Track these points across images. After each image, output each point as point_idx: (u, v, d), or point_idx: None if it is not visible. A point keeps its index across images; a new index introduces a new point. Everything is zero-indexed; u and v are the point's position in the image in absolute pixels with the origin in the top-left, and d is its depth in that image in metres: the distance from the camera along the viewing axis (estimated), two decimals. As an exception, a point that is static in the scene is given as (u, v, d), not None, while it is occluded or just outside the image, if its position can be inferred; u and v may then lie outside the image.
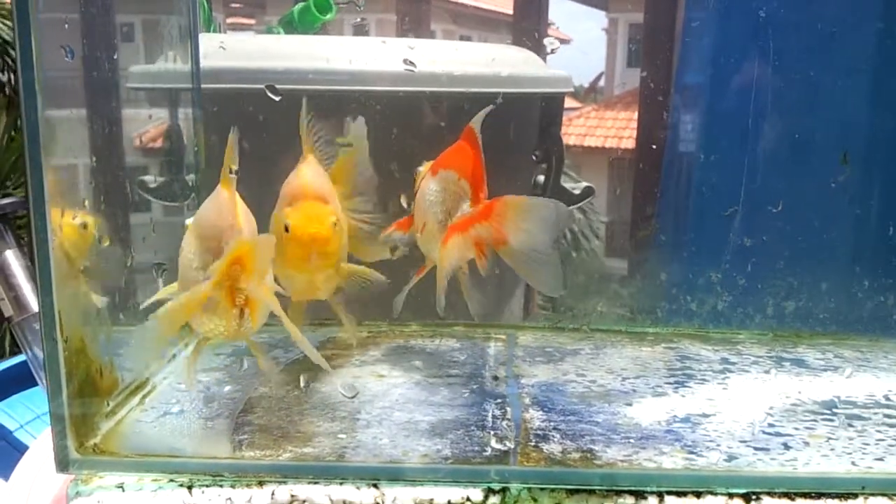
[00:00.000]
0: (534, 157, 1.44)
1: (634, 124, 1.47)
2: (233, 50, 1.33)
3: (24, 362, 1.42)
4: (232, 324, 0.89)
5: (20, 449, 1.43)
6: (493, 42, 1.64)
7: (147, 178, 1.27)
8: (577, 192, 1.48)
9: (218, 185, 0.95)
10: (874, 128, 1.29)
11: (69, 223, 0.91)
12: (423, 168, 1.11)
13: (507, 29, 1.59)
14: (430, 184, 1.04)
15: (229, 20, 1.65)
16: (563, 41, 1.43)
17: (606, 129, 1.80)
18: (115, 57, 1.05)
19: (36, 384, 1.43)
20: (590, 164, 1.72)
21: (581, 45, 1.47)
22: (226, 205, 0.93)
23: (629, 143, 1.54)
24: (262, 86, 1.14)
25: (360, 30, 1.52)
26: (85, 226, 0.95)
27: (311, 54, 1.33)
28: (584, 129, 1.86)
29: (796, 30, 1.29)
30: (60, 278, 0.82)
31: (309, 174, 1.00)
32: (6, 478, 1.18)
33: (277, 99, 1.14)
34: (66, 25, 0.90)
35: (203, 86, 1.25)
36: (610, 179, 1.62)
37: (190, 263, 0.92)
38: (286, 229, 0.94)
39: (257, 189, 1.16)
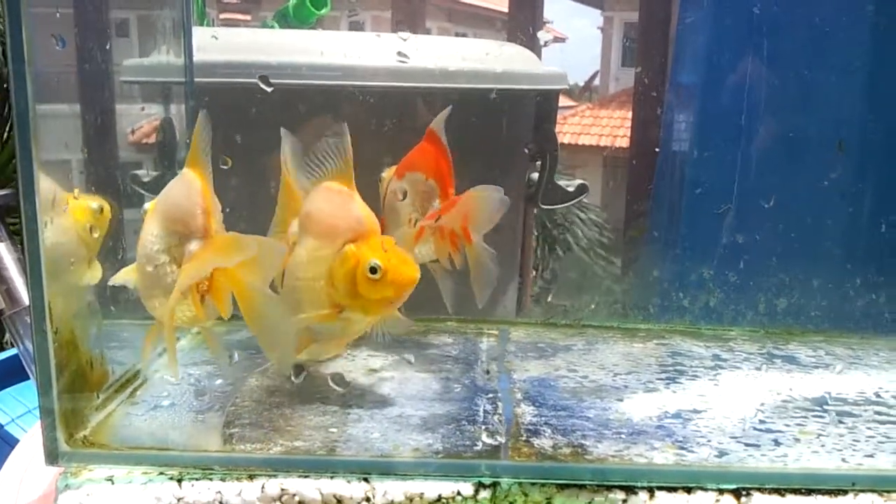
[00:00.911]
0: (526, 150, 1.44)
1: (629, 123, 1.47)
2: (226, 43, 1.33)
3: (16, 356, 1.42)
4: (188, 310, 0.89)
5: (11, 443, 1.43)
6: (488, 39, 1.64)
7: (140, 172, 1.27)
8: (571, 189, 1.49)
9: (185, 167, 0.93)
10: (866, 126, 1.30)
11: (85, 206, 0.92)
12: (387, 173, 1.09)
13: (502, 26, 1.59)
14: (398, 186, 1.04)
15: (223, 16, 1.65)
16: (558, 39, 1.43)
17: (601, 127, 1.81)
18: (108, 48, 1.05)
19: (28, 378, 1.43)
20: (584, 161, 1.73)
21: (576, 43, 1.47)
22: (194, 187, 0.90)
23: (623, 142, 1.54)
24: (254, 80, 1.14)
25: (355, 26, 1.52)
26: (101, 209, 0.95)
27: (305, 48, 1.32)
28: (578, 127, 1.87)
29: (790, 28, 1.29)
30: (65, 267, 0.82)
31: (359, 203, 0.94)
32: (-4, 471, 1.18)
33: (270, 90, 1.14)
34: (58, 15, 0.89)
35: (196, 79, 1.25)
36: (604, 177, 1.63)
37: (151, 246, 0.90)
38: (373, 271, 0.88)
39: (249, 181, 1.16)
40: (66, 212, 0.89)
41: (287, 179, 0.99)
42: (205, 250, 0.88)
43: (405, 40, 1.21)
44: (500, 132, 1.41)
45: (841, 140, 1.26)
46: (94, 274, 0.96)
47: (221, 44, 1.32)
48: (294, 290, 0.94)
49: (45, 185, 0.80)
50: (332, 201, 0.93)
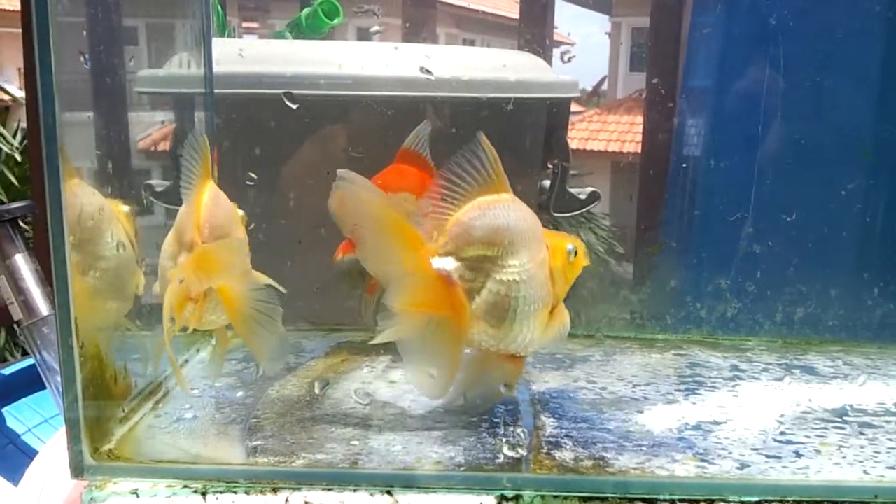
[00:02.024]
0: (550, 167, 1.44)
1: (637, 128, 1.47)
2: (246, 55, 1.33)
3: (32, 366, 1.42)
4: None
5: (28, 453, 1.43)
6: (496, 45, 1.64)
7: (153, 182, 1.27)
8: (582, 196, 1.49)
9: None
10: (883, 134, 1.30)
11: (122, 210, 0.96)
12: None
13: (510, 32, 1.60)
14: None
15: (245, 24, 1.65)
16: (565, 44, 1.43)
17: (609, 132, 1.81)
18: (131, 62, 1.05)
19: (44, 388, 1.43)
20: (592, 167, 1.73)
21: (584, 49, 1.47)
22: (194, 202, 0.93)
23: (631, 147, 1.54)
24: (275, 92, 1.14)
25: (365, 34, 1.53)
26: (131, 212, 0.99)
27: (323, 59, 1.33)
28: (586, 132, 1.86)
29: (804, 34, 1.29)
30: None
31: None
32: (14, 481, 1.18)
33: (295, 107, 1.14)
34: (85, 32, 0.90)
35: (216, 91, 1.25)
36: (613, 184, 1.63)
37: (164, 253, 0.95)
38: (574, 253, 0.92)
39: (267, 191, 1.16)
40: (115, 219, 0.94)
41: (402, 224, 0.87)
42: (182, 266, 0.91)
43: (429, 56, 1.21)
44: (513, 140, 1.41)
45: (865, 147, 1.26)
46: (140, 280, 1.00)
47: (243, 55, 1.32)
48: (536, 305, 0.90)
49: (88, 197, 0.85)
50: (514, 209, 0.90)
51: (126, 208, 0.97)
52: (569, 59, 1.35)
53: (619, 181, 1.62)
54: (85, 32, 0.91)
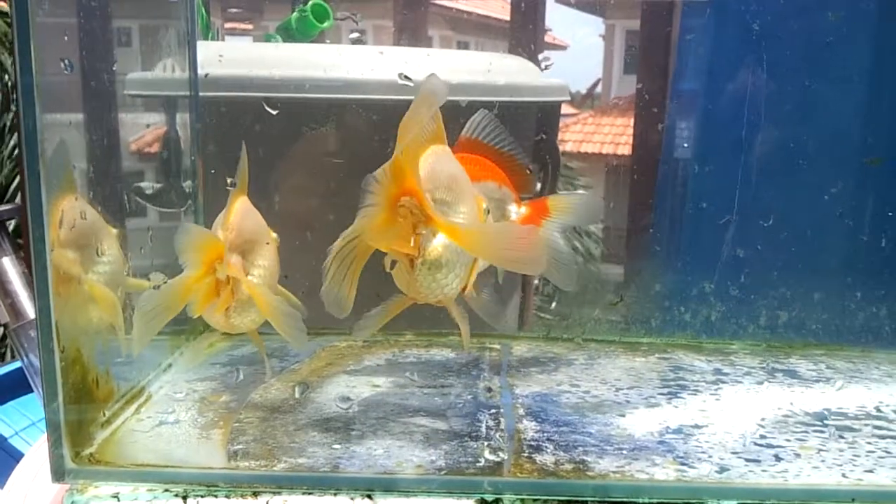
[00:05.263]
0: (528, 171, 1.44)
1: (631, 130, 1.48)
2: (230, 58, 1.34)
3: (20, 369, 1.42)
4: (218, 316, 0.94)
5: (15, 456, 1.43)
6: (490, 48, 1.64)
7: (143, 184, 1.27)
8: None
9: None
10: (867, 138, 1.30)
11: (112, 230, 1.01)
12: None
13: (505, 35, 1.59)
14: None
15: (228, 25, 1.65)
16: (559, 47, 1.43)
17: (603, 135, 1.81)
18: (113, 64, 1.05)
19: (31, 391, 1.43)
20: (587, 170, 1.73)
21: (578, 52, 1.47)
22: (226, 210, 0.97)
23: (625, 150, 1.54)
24: (258, 94, 1.14)
25: (356, 39, 1.53)
26: (119, 233, 1.03)
27: (308, 63, 1.33)
28: (580, 135, 1.87)
29: (792, 39, 1.29)
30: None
31: None
32: (1, 485, 1.18)
33: (275, 113, 1.14)
34: (66, 37, 0.90)
35: (201, 93, 1.25)
36: (606, 186, 1.63)
37: None
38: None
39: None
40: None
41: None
42: None
43: (407, 63, 1.21)
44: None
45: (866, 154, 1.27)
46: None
47: (225, 58, 1.33)
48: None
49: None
50: (454, 160, 0.90)
51: (115, 231, 1.02)
52: (545, 67, 1.35)
53: (613, 183, 1.62)
54: (66, 37, 0.91)
